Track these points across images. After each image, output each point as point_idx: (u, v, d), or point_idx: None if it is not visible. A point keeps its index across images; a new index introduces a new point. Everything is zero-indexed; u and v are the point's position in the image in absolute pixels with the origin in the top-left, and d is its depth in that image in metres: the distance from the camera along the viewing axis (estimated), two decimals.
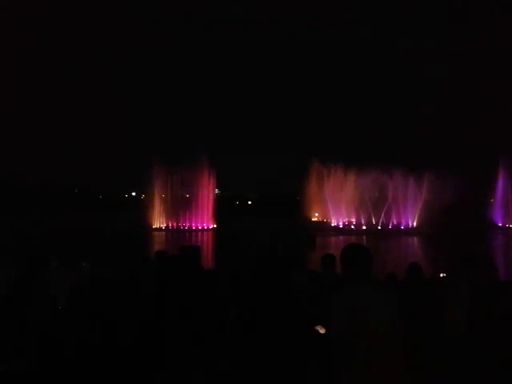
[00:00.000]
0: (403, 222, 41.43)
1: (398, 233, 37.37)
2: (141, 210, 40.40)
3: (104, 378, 3.57)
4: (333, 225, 43.00)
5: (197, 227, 41.19)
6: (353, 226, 41.70)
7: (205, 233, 39.20)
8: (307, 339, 3.32)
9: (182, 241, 31.18)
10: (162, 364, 3.55)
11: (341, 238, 33.83)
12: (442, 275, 5.98)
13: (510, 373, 3.92)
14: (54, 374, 3.67)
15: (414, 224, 41.04)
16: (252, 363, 3.31)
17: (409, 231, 38.54)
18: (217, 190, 46.98)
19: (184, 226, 41.39)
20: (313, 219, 46.30)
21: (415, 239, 33.64)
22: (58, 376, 3.64)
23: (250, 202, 61.74)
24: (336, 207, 44.42)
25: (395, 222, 41.33)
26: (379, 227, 40.37)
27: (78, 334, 3.89)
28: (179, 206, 42.26)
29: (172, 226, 41.42)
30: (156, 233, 37.61)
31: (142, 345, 3.62)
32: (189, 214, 41.97)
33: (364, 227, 40.63)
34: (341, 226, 42.20)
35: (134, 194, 72.82)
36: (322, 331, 3.18)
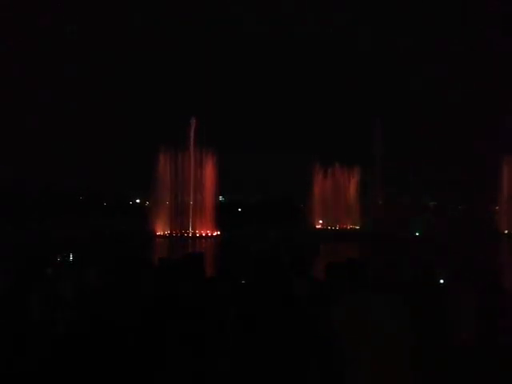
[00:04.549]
0: (408, 229, 41.24)
1: (404, 239, 37.20)
2: (144, 217, 40.39)
3: (104, 378, 3.57)
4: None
5: (201, 234, 41.15)
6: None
7: (209, 240, 39.20)
8: (307, 339, 3.32)
9: (185, 248, 31.14)
10: (161, 364, 3.55)
11: (345, 244, 33.74)
12: (441, 281, 5.98)
13: (510, 373, 3.91)
14: (54, 373, 3.67)
15: (420, 231, 40.85)
16: (252, 363, 3.31)
17: (414, 238, 38.39)
18: (221, 197, 46.98)
19: (188, 233, 41.35)
20: (317, 226, 46.23)
21: (421, 246, 33.47)
22: (58, 376, 3.65)
23: (251, 207, 61.33)
24: (340, 213, 44.42)
25: (400, 229, 41.13)
26: (384, 233, 40.21)
27: (78, 333, 3.90)
28: (183, 212, 42.23)
29: (176, 232, 41.37)
30: (159, 240, 37.58)
31: (142, 345, 3.62)
32: (193, 220, 41.94)
33: (369, 233, 40.50)
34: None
35: (138, 201, 72.78)
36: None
